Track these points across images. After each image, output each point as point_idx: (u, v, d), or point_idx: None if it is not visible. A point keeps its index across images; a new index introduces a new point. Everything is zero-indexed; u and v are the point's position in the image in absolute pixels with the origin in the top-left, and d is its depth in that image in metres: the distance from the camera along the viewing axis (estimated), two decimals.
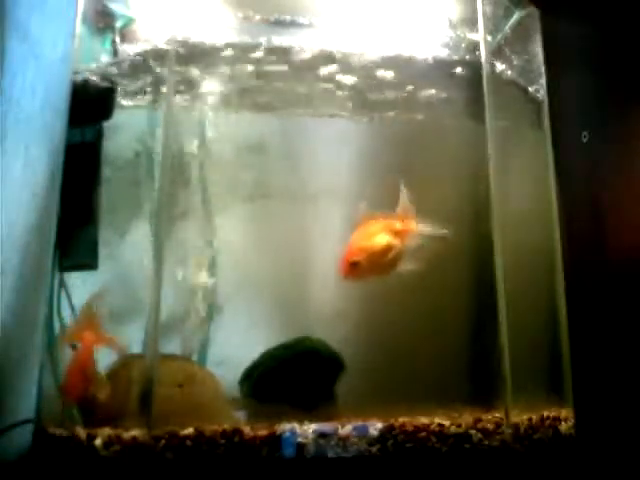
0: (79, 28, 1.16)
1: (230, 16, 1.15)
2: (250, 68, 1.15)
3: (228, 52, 1.13)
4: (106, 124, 1.13)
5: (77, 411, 0.98)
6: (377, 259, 1.02)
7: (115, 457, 0.89)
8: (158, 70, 1.12)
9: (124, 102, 1.17)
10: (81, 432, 0.93)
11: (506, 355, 1.02)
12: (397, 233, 1.05)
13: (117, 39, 1.18)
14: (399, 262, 1.04)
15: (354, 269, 1.00)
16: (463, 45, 1.20)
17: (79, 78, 1.13)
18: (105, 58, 1.16)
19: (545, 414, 1.07)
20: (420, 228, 1.05)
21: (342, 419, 0.95)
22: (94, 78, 1.14)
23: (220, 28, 1.14)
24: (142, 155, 1.13)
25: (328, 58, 1.16)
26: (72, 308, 1.09)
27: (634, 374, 1.18)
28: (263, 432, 0.91)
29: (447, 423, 0.97)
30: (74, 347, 1.04)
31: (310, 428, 0.93)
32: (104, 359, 1.02)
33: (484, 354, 1.09)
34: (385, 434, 0.94)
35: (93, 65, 1.15)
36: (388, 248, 1.03)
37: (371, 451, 0.93)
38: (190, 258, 1.15)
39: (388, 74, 1.18)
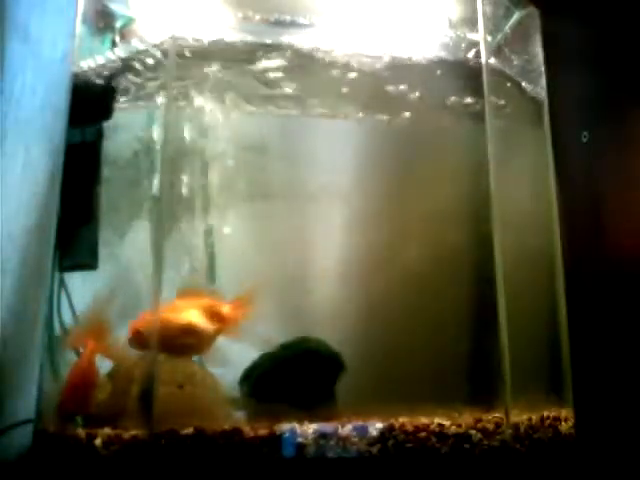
0: (79, 28, 1.16)
1: (230, 16, 1.15)
2: (250, 68, 1.15)
3: (228, 52, 1.13)
4: (106, 124, 1.13)
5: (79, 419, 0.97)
6: (170, 336, 0.94)
7: (115, 457, 0.89)
8: (157, 69, 1.12)
9: (123, 101, 1.17)
10: (81, 432, 0.93)
11: (506, 355, 1.02)
12: (218, 317, 0.98)
13: (117, 39, 1.18)
14: (205, 347, 0.97)
15: (136, 336, 0.94)
16: (463, 45, 1.20)
17: (79, 78, 1.13)
18: (105, 58, 1.16)
19: (545, 414, 1.07)
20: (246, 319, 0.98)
21: (342, 419, 0.95)
22: (94, 78, 1.14)
23: (219, 28, 1.14)
24: (141, 155, 1.13)
25: (328, 58, 1.16)
26: (72, 308, 1.09)
27: (634, 374, 1.18)
28: (263, 432, 0.91)
29: (447, 423, 0.97)
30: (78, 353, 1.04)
31: (310, 428, 0.92)
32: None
33: (484, 354, 1.09)
34: (385, 434, 0.94)
35: (93, 65, 1.15)
36: (190, 329, 0.96)
37: (371, 451, 0.93)
38: (189, 258, 1.15)
39: (388, 74, 1.18)
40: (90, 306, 1.03)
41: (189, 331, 0.96)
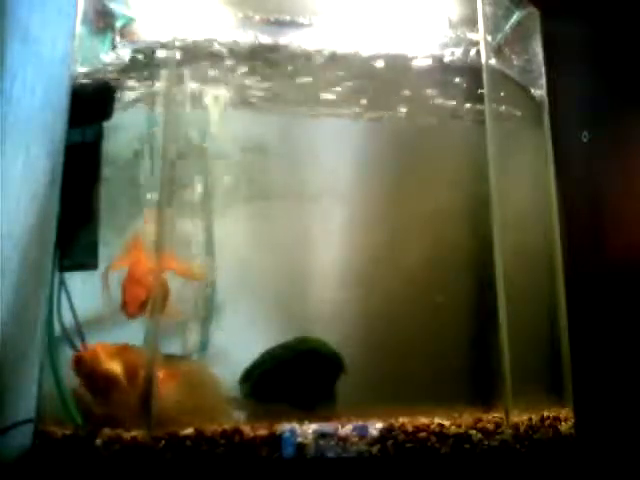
0: (79, 28, 1.16)
1: (230, 16, 1.15)
2: (249, 68, 1.15)
3: (228, 51, 1.13)
4: (106, 124, 1.13)
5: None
6: (93, 379, 0.95)
7: (115, 457, 0.89)
8: (157, 69, 1.12)
9: (124, 101, 1.17)
10: (81, 432, 0.93)
11: (506, 355, 1.02)
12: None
13: (117, 39, 1.18)
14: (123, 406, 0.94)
15: (80, 363, 0.95)
16: (463, 45, 1.20)
17: (79, 78, 1.13)
18: (105, 58, 1.16)
19: (545, 414, 1.07)
20: None
21: (342, 419, 0.95)
22: (94, 78, 1.14)
23: (219, 27, 1.14)
24: (141, 155, 1.13)
25: (328, 58, 1.16)
26: (72, 308, 1.09)
27: (634, 374, 1.18)
28: (263, 432, 0.91)
29: (447, 423, 0.97)
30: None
31: (310, 428, 0.92)
32: None
33: (484, 354, 1.09)
34: (385, 434, 0.94)
35: (93, 65, 1.15)
36: (112, 382, 0.94)
37: (371, 451, 0.93)
38: (189, 257, 1.15)
39: (388, 74, 1.18)
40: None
41: (112, 383, 0.94)
